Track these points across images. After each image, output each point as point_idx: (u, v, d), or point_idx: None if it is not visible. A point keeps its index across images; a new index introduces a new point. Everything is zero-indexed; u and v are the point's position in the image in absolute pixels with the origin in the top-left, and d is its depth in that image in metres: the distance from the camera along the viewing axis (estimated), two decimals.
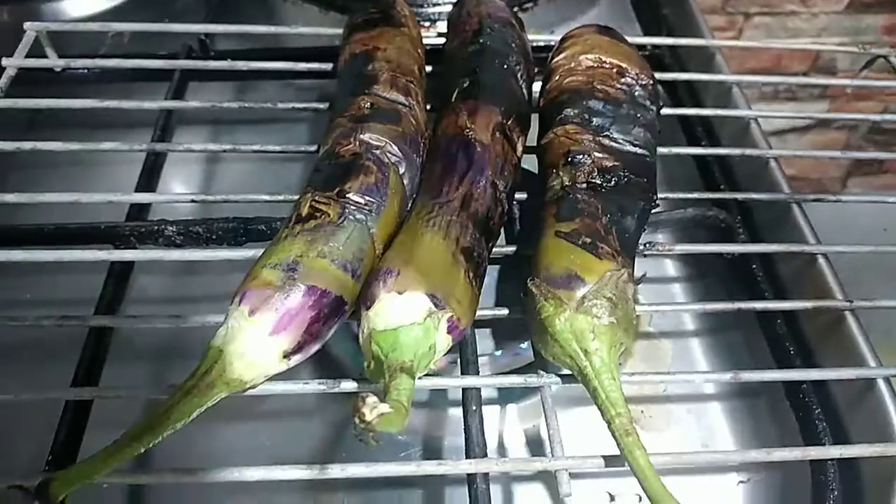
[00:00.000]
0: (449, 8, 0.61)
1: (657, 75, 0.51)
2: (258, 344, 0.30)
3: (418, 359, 0.30)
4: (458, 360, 0.36)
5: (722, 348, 0.44)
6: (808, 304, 0.39)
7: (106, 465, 0.27)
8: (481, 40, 0.44)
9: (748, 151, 0.47)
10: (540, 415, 0.41)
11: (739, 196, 0.45)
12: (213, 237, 0.41)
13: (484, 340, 0.39)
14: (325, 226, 0.33)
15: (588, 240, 0.34)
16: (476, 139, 0.38)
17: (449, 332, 0.31)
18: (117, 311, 0.39)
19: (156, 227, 0.41)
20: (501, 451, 0.39)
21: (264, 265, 0.32)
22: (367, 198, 0.34)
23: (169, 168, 0.49)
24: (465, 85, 0.41)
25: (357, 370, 0.40)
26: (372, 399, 0.22)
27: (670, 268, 0.48)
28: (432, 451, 0.39)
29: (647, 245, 0.40)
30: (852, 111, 1.30)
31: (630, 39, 0.48)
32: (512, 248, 0.40)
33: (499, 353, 0.40)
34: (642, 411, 0.42)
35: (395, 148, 0.37)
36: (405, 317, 0.30)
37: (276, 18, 0.63)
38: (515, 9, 0.62)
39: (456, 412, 0.40)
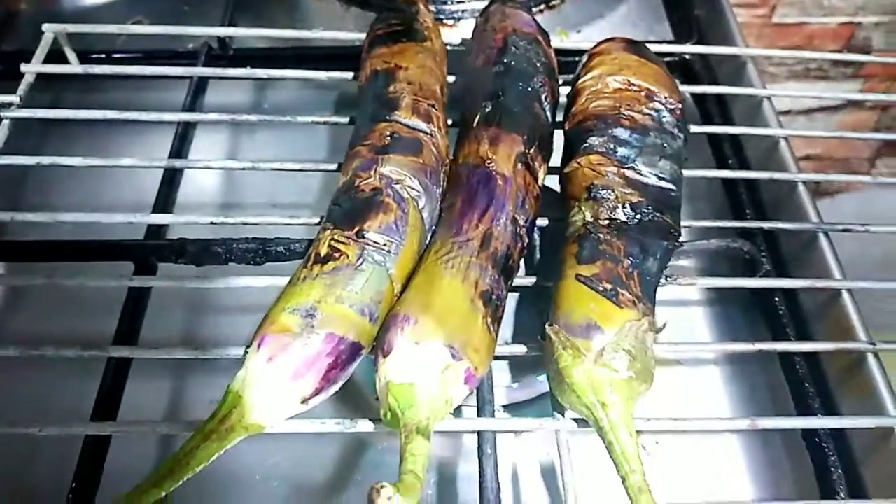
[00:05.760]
0: (472, 5, 0.60)
1: (685, 88, 0.49)
2: (277, 390, 0.30)
3: (434, 414, 0.30)
4: (475, 396, 0.36)
5: (740, 379, 0.44)
6: (830, 347, 0.38)
7: None
8: (505, 60, 0.42)
9: (777, 175, 0.46)
10: (553, 444, 0.41)
11: (766, 225, 0.44)
12: (233, 257, 0.41)
13: (500, 373, 0.39)
14: (343, 268, 0.33)
15: (609, 286, 0.34)
16: (497, 171, 0.37)
17: (466, 383, 0.31)
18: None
19: (176, 246, 0.41)
20: (515, 483, 0.40)
21: (283, 309, 0.32)
22: (386, 237, 0.34)
23: (187, 178, 0.49)
24: (488, 110, 0.40)
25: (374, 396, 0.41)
26: (387, 491, 0.23)
27: (689, 292, 0.47)
28: (445, 477, 0.40)
29: (670, 277, 0.39)
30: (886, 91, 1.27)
31: (659, 48, 0.47)
32: (531, 280, 0.39)
33: (515, 385, 0.40)
34: (657, 442, 0.42)
35: (416, 182, 0.36)
36: (422, 370, 0.30)
37: (296, 13, 0.62)
38: (542, 6, 0.61)
39: (468, 439, 0.40)
